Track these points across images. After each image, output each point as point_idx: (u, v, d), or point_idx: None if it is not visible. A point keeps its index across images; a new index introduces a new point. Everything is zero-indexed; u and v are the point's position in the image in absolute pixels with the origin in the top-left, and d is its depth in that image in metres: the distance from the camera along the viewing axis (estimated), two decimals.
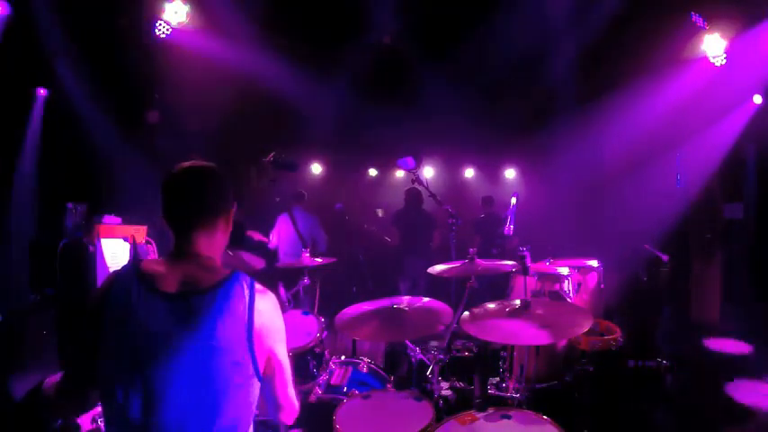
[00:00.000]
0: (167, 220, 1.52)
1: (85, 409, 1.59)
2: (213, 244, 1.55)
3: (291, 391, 1.62)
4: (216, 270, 1.50)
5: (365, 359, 3.13)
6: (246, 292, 1.47)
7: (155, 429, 1.35)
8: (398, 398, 2.54)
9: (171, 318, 1.38)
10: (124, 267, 1.49)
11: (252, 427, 1.51)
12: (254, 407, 1.49)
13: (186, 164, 1.53)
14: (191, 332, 1.37)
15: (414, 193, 6.01)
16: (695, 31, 5.59)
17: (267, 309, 1.49)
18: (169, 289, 1.42)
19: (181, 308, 1.40)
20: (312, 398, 2.84)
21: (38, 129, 5.44)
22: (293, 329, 3.33)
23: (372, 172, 10.43)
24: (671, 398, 4.14)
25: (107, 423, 1.41)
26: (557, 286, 4.03)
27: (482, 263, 2.95)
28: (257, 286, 1.51)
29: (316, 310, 4.15)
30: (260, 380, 1.48)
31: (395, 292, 5.75)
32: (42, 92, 5.60)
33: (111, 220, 4.05)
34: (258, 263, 3.80)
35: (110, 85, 5.90)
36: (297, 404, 1.64)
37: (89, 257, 3.76)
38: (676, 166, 6.47)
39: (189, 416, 1.36)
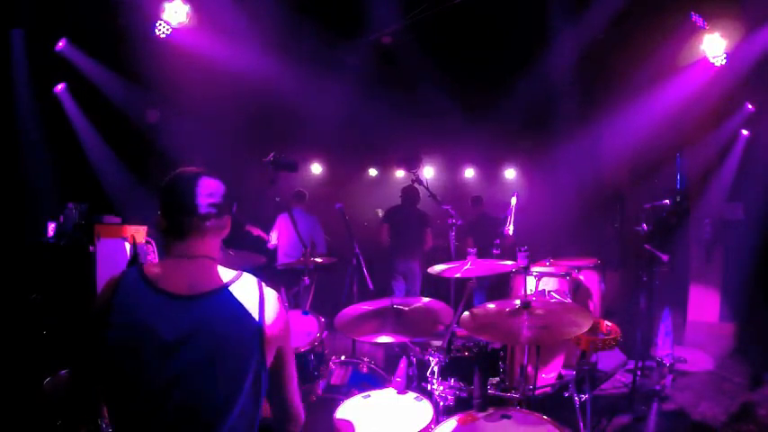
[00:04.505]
0: (167, 224, 1.51)
1: (90, 409, 1.58)
2: (212, 246, 1.56)
3: (298, 398, 1.65)
4: (221, 270, 1.52)
5: (365, 359, 3.13)
6: (256, 291, 1.51)
7: (165, 428, 1.36)
8: (398, 398, 2.54)
9: (182, 319, 1.38)
10: (128, 271, 1.48)
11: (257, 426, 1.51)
12: (261, 403, 1.50)
13: (185, 169, 1.55)
14: (203, 333, 1.38)
15: (410, 192, 5.83)
16: (695, 31, 5.58)
17: (276, 307, 1.53)
18: (178, 291, 1.43)
19: (192, 309, 1.40)
20: (312, 398, 2.84)
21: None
22: (294, 330, 3.33)
23: (372, 172, 10.44)
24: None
25: (115, 422, 1.39)
26: (556, 286, 4.04)
27: (482, 263, 2.96)
28: (265, 285, 1.55)
29: (308, 306, 4.14)
30: (266, 373, 1.49)
31: (387, 291, 5.61)
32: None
33: (111, 220, 4.05)
34: (259, 259, 3.80)
35: (110, 84, 5.90)
36: (302, 412, 1.67)
37: (89, 257, 3.76)
38: (676, 167, 6.46)
39: (200, 414, 1.37)
